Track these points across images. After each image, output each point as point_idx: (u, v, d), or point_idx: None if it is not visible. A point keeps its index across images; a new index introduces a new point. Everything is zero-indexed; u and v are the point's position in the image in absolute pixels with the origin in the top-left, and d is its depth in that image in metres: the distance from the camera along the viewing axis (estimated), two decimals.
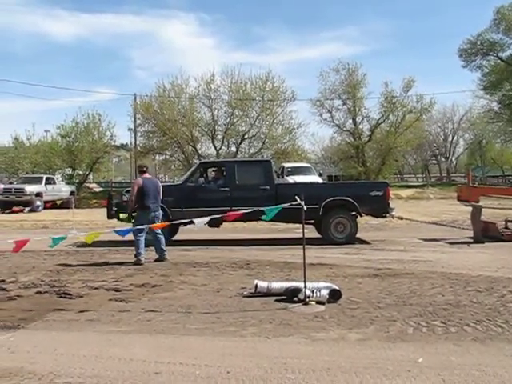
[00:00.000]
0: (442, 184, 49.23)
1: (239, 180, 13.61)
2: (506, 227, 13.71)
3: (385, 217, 14.39)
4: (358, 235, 13.53)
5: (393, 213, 14.01)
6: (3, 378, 4.28)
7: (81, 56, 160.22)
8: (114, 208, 13.65)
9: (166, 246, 10.73)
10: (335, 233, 13.33)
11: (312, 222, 13.76)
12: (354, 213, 13.44)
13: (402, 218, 14.97)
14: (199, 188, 13.76)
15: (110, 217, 13.98)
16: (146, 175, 10.68)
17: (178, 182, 15.00)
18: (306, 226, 7.88)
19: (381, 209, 13.61)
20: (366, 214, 13.97)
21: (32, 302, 7.01)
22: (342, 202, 13.38)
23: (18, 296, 7.39)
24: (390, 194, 14.02)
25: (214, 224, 12.64)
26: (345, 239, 13.15)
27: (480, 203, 13.64)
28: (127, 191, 14.24)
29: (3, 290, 7.82)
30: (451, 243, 12.85)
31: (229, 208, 12.34)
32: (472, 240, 12.97)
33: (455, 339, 5.08)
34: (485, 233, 13.40)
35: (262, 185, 13.56)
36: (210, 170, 15.30)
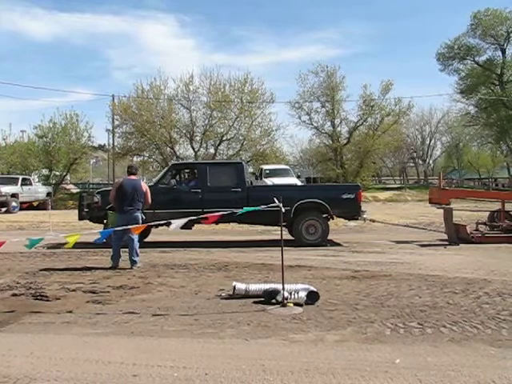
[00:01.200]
0: (420, 187, 49.70)
1: (211, 182, 13.66)
2: (477, 229, 13.90)
3: (356, 219, 14.47)
4: (335, 237, 13.61)
5: (364, 216, 14.11)
6: None
7: (59, 56, 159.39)
8: (85, 209, 13.70)
9: (140, 247, 10.59)
10: (306, 235, 13.42)
11: (285, 223, 13.76)
12: (325, 215, 13.52)
13: (374, 221, 15.03)
14: (171, 190, 13.76)
15: (81, 218, 14.05)
16: (132, 177, 10.50)
17: (150, 184, 15.01)
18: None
19: (352, 211, 13.72)
20: (338, 217, 14.09)
21: (7, 305, 6.93)
22: (314, 204, 13.49)
23: None
24: (361, 197, 14.16)
25: (185, 226, 12.58)
26: (316, 241, 13.24)
27: (452, 205, 13.84)
28: (98, 192, 14.53)
29: None
30: (424, 245, 13.02)
31: (200, 210, 12.23)
32: (447, 242, 13.11)
33: (432, 340, 5.14)
34: (456, 235, 13.60)
35: (233, 187, 13.66)
36: (182, 171, 15.27)
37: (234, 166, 14.49)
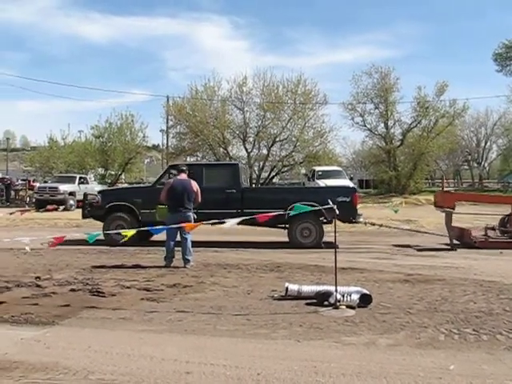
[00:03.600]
0: (475, 190, 48.57)
1: (206, 183, 13.63)
2: (486, 234, 13.53)
3: (353, 222, 14.25)
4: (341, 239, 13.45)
5: (360, 219, 13.93)
6: (40, 372, 4.38)
7: (115, 58, 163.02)
8: (88, 208, 14.39)
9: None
10: (300, 238, 13.35)
11: (282, 226, 13.75)
12: (321, 218, 13.36)
13: (373, 224, 14.72)
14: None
15: (84, 216, 14.73)
16: (182, 176, 10.65)
17: (148, 184, 15.36)
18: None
19: (348, 214, 13.37)
20: (329, 221, 13.75)
21: (66, 299, 7.13)
22: (309, 206, 13.24)
23: (52, 293, 7.54)
24: (357, 200, 13.92)
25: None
26: (310, 244, 13.11)
27: (468, 210, 13.44)
28: (99, 192, 15.52)
29: (39, 286, 7.99)
30: (422, 249, 12.82)
31: (196, 210, 12.45)
32: (449, 247, 12.82)
33: (487, 348, 5.02)
34: (460, 239, 13.37)
35: (228, 188, 13.77)
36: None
37: (229, 168, 14.75)
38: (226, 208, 13.18)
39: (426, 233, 15.40)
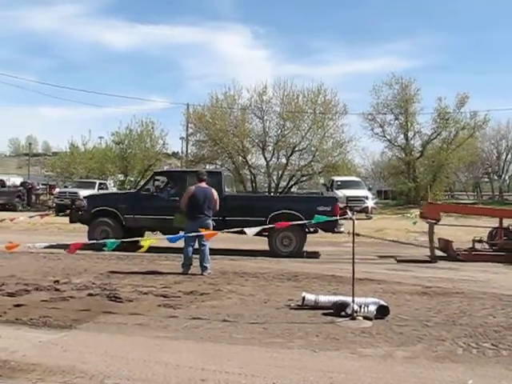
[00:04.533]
0: (494, 203, 47.98)
1: None
2: (473, 247, 13.41)
3: (335, 232, 14.14)
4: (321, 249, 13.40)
5: (341, 229, 13.77)
6: (57, 375, 4.42)
7: (136, 65, 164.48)
8: (75, 212, 14.73)
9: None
10: (281, 246, 13.32)
11: (266, 234, 13.58)
12: (303, 227, 13.27)
13: (358, 235, 14.56)
14: (151, 196, 14.33)
15: (71, 221, 15.08)
16: (203, 184, 10.66)
17: (133, 190, 15.62)
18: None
19: (329, 224, 13.01)
20: (314, 230, 13.86)
21: (84, 304, 7.19)
22: (289, 215, 13.09)
23: (70, 297, 7.59)
24: (338, 210, 13.68)
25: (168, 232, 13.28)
26: (290, 253, 13.05)
27: (463, 222, 13.27)
28: (85, 197, 15.90)
29: (57, 290, 8.06)
30: (401, 261, 12.70)
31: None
32: (429, 258, 12.68)
33: (507, 363, 4.94)
34: (445, 251, 13.24)
35: None
36: (165, 179, 15.59)
37: (212, 176, 14.46)
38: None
39: (412, 244, 15.15)
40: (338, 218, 9.34)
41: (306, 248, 13.86)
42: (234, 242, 14.44)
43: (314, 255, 13.62)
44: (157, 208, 13.87)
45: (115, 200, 14.93)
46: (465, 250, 13.14)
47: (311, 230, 13.43)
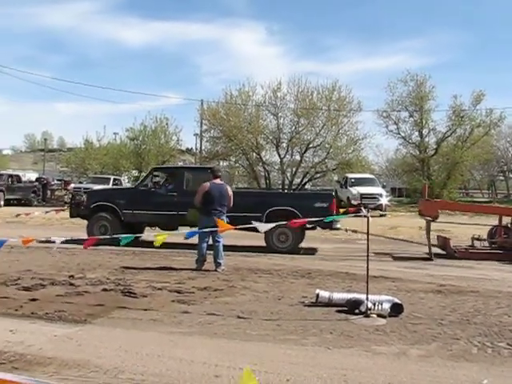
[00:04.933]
0: (509, 201, 47.62)
1: (187, 186, 14.00)
2: (472, 245, 13.37)
3: (332, 229, 14.07)
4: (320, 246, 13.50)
5: (337, 225, 13.69)
6: (72, 369, 4.45)
7: (151, 62, 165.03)
8: (75, 207, 14.98)
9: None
10: (277, 242, 13.24)
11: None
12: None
13: (356, 231, 14.49)
14: (149, 192, 14.39)
15: (71, 215, 15.23)
16: (218, 181, 10.66)
17: (131, 186, 15.74)
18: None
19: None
20: (312, 227, 13.70)
21: (98, 299, 7.23)
22: (285, 211, 13.18)
23: (85, 292, 7.65)
24: (335, 206, 13.68)
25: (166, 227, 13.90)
26: (286, 249, 13.00)
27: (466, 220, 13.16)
28: (85, 192, 16.35)
29: (72, 285, 8.12)
30: (396, 258, 12.69)
31: (175, 212, 13.30)
32: (428, 256, 12.57)
33: None
34: (444, 249, 13.21)
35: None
36: (163, 175, 15.75)
37: (205, 172, 14.72)
38: None
39: (411, 242, 15.04)
40: (353, 215, 9.33)
41: (316, 245, 13.89)
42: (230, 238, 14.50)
43: (311, 251, 13.60)
44: (155, 203, 14.00)
45: (114, 195, 15.09)
46: (463, 248, 13.11)
47: (309, 226, 13.37)
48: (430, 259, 12.30)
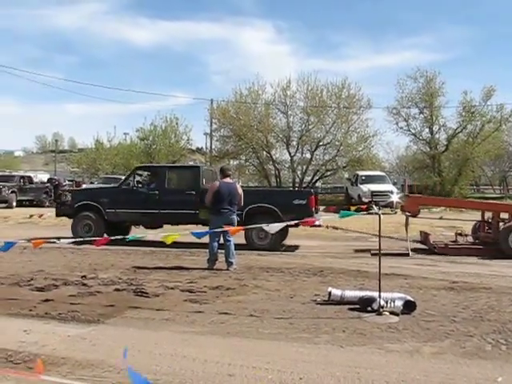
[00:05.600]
0: None
1: (168, 184, 14.27)
2: (455, 240, 13.41)
3: (312, 226, 13.72)
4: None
5: (317, 222, 13.43)
6: (86, 369, 4.47)
7: (160, 62, 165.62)
8: (60, 206, 15.18)
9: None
10: (257, 240, 13.27)
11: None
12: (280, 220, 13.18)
13: (336, 228, 14.43)
14: (131, 191, 14.55)
15: (57, 214, 15.47)
16: (227, 179, 10.68)
17: (114, 185, 16.10)
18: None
19: (304, 217, 12.76)
20: (296, 224, 13.64)
21: (111, 299, 7.26)
22: (264, 209, 13.39)
23: (97, 292, 7.69)
24: (313, 203, 13.68)
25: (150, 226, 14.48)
26: (267, 246, 13.02)
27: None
28: (69, 192, 16.68)
29: (84, 285, 8.16)
30: (374, 254, 11.96)
31: (158, 211, 13.60)
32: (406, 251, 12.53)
33: None
34: (425, 244, 13.33)
35: (188, 190, 14.01)
36: (146, 173, 15.95)
37: (190, 170, 15.30)
38: (186, 209, 13.70)
39: (391, 237, 15.02)
40: (364, 212, 9.32)
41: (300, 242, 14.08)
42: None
43: (292, 249, 13.68)
44: (137, 202, 14.16)
45: (97, 195, 15.26)
46: (443, 244, 13.12)
47: (292, 223, 13.32)
48: (406, 255, 12.32)
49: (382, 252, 12.63)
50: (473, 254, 12.37)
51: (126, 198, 14.32)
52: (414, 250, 12.80)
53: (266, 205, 13.50)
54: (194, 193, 13.87)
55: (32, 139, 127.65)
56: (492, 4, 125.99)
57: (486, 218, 13.57)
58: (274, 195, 15.38)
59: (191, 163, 43.38)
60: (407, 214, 13.15)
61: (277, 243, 13.33)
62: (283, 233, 13.27)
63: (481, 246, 12.92)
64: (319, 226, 13.81)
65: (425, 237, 13.67)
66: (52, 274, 9.03)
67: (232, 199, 10.35)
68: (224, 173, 10.84)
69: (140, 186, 14.89)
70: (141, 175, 15.67)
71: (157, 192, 14.16)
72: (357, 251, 13.27)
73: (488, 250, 12.53)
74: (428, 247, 13.20)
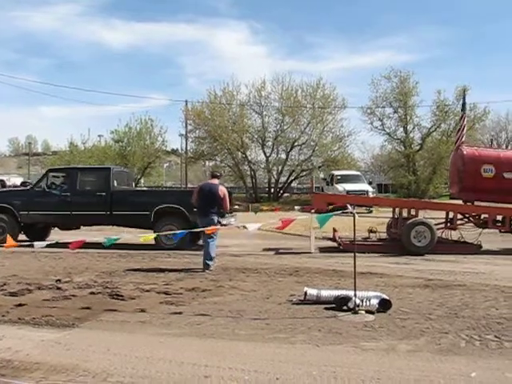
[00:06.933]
0: None
1: (80, 186, 14.46)
2: (368, 237, 13.82)
3: (222, 225, 13.96)
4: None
5: (232, 222, 13.52)
6: (60, 374, 4.42)
7: (135, 63, 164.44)
8: None
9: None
10: (165, 239, 13.26)
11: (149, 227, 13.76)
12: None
13: (245, 227, 14.54)
14: (44, 193, 14.58)
15: None
16: (214, 180, 10.63)
17: (27, 188, 16.28)
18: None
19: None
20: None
21: (86, 302, 7.18)
22: (172, 209, 13.63)
23: (72, 296, 7.60)
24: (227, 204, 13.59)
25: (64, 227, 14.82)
26: (175, 245, 12.95)
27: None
28: None
29: (59, 289, 8.07)
30: (278, 252, 12.92)
31: (69, 212, 13.81)
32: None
33: (510, 354, 4.93)
34: (334, 240, 13.72)
35: (99, 191, 14.22)
36: (59, 176, 15.87)
37: (101, 172, 15.38)
38: (97, 210, 13.96)
39: (299, 235, 15.38)
40: (341, 212, 9.34)
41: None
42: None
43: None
44: (49, 204, 14.28)
45: (10, 197, 15.27)
46: (347, 240, 13.32)
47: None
48: (309, 252, 12.59)
49: (288, 251, 12.99)
50: (378, 250, 12.65)
51: (39, 200, 14.40)
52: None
53: (173, 205, 13.68)
54: (104, 194, 14.03)
55: (4, 142, 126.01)
56: (467, 6, 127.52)
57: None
58: (182, 195, 15.19)
59: (166, 165, 43.23)
60: (312, 211, 12.97)
61: (184, 243, 12.94)
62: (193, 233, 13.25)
63: (389, 243, 13.30)
64: (225, 225, 13.65)
65: (333, 234, 13.94)
66: (25, 279, 8.91)
67: (210, 199, 10.26)
68: (211, 174, 11.09)
69: (53, 188, 14.80)
70: (57, 177, 15.58)
71: (68, 194, 14.27)
72: (264, 249, 13.57)
73: (394, 246, 12.89)
74: (336, 244, 13.47)
